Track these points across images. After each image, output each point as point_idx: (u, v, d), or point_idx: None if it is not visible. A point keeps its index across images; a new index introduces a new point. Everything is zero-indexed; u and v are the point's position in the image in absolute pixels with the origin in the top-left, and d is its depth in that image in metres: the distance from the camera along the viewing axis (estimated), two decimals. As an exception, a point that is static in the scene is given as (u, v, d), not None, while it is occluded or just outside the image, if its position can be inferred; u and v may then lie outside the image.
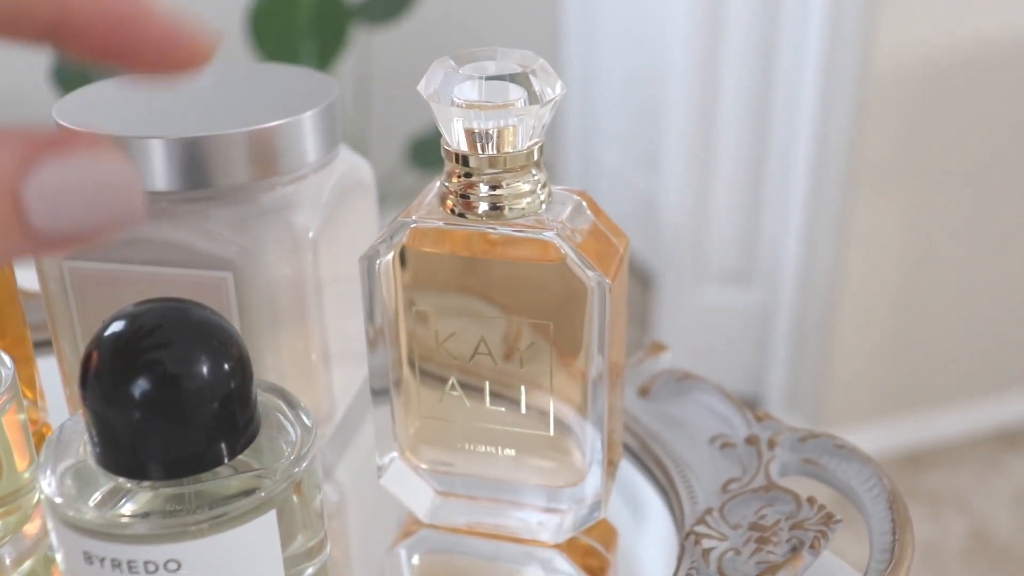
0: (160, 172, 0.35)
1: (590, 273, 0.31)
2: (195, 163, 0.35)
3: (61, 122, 0.36)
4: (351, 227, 0.40)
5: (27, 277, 0.45)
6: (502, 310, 0.33)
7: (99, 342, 0.28)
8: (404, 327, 0.34)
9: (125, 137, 0.35)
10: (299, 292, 0.36)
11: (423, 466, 0.37)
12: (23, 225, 0.18)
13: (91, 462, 0.29)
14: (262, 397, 0.30)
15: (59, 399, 0.42)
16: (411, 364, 0.35)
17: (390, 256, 0.33)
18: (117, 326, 0.28)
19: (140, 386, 0.27)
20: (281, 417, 0.30)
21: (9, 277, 0.40)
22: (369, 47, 1.75)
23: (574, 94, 2.12)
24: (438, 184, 0.34)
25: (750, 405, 0.41)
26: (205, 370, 0.27)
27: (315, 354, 0.38)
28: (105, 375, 0.27)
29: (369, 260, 0.33)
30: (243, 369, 0.28)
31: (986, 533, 1.41)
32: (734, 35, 1.54)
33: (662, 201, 1.72)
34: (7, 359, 0.35)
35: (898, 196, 1.42)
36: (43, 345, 0.44)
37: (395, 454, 0.37)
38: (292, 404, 0.31)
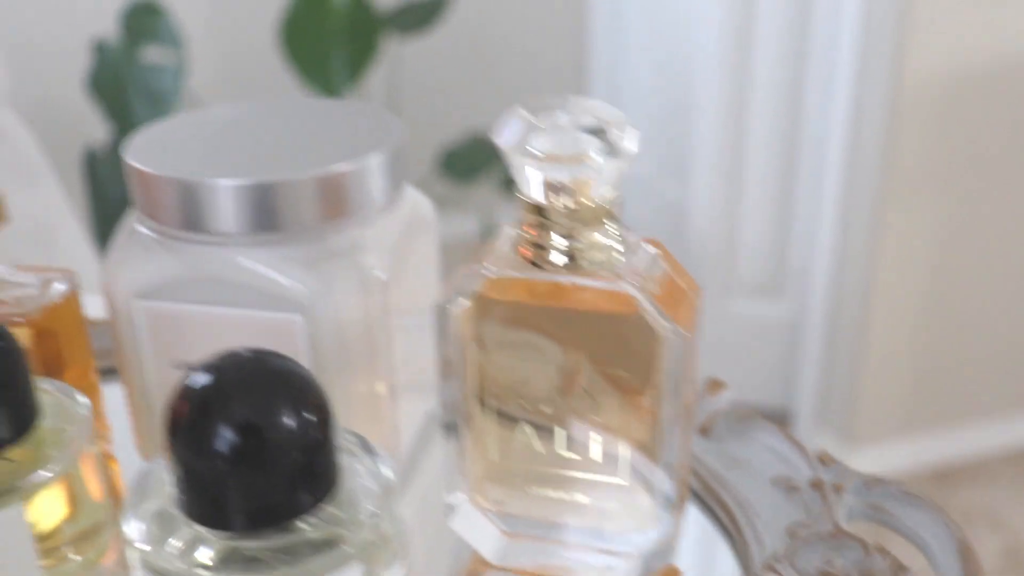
0: (231, 215, 0.35)
1: (666, 324, 0.31)
2: (266, 206, 0.35)
3: (133, 163, 0.37)
4: (415, 263, 0.40)
5: (95, 304, 0.46)
6: (576, 357, 0.33)
7: (185, 392, 0.28)
8: (476, 373, 0.34)
9: (196, 180, 0.35)
10: (368, 333, 0.36)
11: (490, 507, 0.37)
12: None
13: (174, 508, 0.29)
14: (342, 445, 0.31)
15: (122, 429, 0.42)
16: (482, 407, 0.35)
17: (463, 302, 0.33)
18: (203, 377, 0.28)
19: (227, 438, 0.27)
20: (359, 466, 0.31)
21: (77, 308, 0.41)
22: (400, 56, 1.76)
23: (600, 97, 2.12)
24: (509, 230, 0.34)
25: (810, 449, 0.41)
26: (290, 422, 0.28)
27: (382, 391, 0.38)
28: (191, 426, 0.27)
29: (443, 306, 0.33)
30: (327, 419, 0.29)
31: (1020, 550, 1.40)
32: (765, 41, 1.54)
33: (690, 209, 1.72)
34: (84, 400, 0.35)
35: (930, 207, 1.41)
36: (106, 372, 0.45)
37: (463, 494, 0.37)
38: (371, 453, 0.31)
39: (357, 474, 0.30)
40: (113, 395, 0.44)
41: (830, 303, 1.53)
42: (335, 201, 0.36)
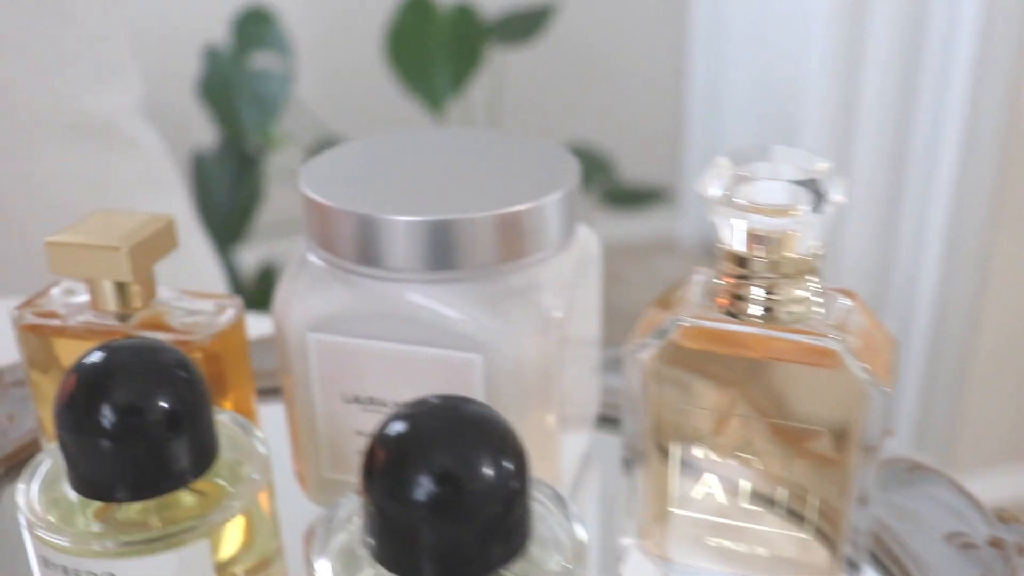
0: (409, 250, 0.35)
1: (868, 380, 0.30)
2: (445, 243, 0.35)
3: (309, 194, 0.37)
4: (582, 298, 0.40)
5: (258, 325, 0.46)
6: (770, 411, 0.32)
7: (384, 438, 0.28)
8: (659, 418, 0.34)
9: (375, 215, 0.35)
10: (544, 371, 0.36)
11: (661, 554, 0.36)
12: None
13: (361, 550, 0.29)
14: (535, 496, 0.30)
15: (280, 453, 0.42)
16: (662, 453, 0.34)
17: (654, 350, 0.32)
18: (402, 424, 0.28)
19: (427, 488, 0.27)
20: (550, 517, 0.30)
21: (242, 334, 0.41)
22: (503, 67, 1.76)
23: (697, 111, 2.10)
24: (700, 277, 0.33)
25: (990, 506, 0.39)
26: (491, 472, 0.27)
27: (551, 427, 0.38)
28: (391, 473, 0.27)
29: (634, 354, 0.32)
30: (524, 470, 0.28)
31: None
32: (876, 56, 1.51)
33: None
34: (261, 435, 0.35)
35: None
36: (263, 393, 0.45)
37: (634, 540, 0.36)
38: (563, 506, 0.30)
39: (548, 525, 0.30)
40: (268, 415, 0.44)
41: (934, 325, 1.49)
42: (514, 240, 0.35)
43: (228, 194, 1.42)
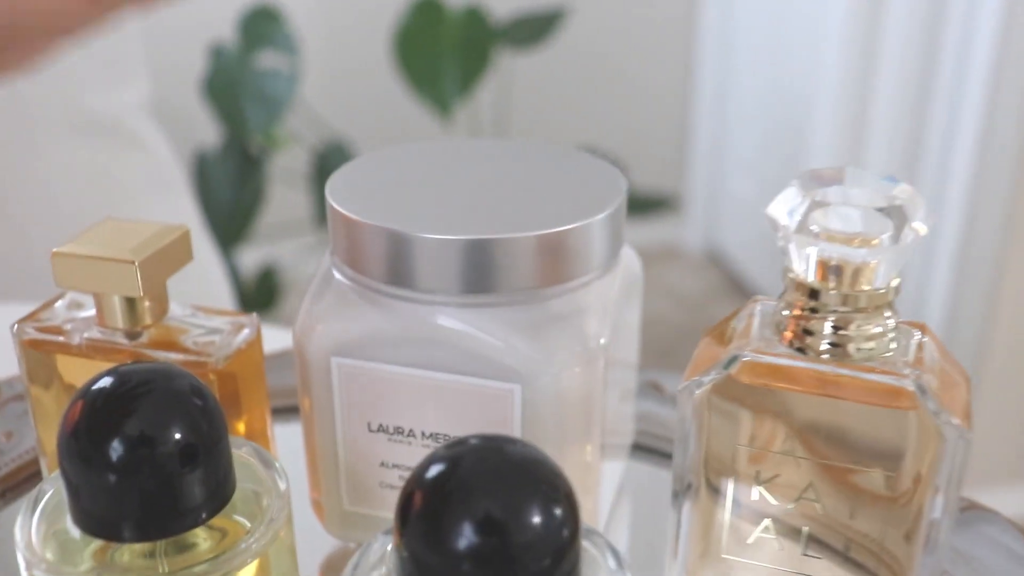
0: (443, 272, 0.32)
1: (949, 423, 0.28)
2: (483, 265, 0.32)
3: (337, 207, 0.34)
4: (624, 322, 0.37)
5: (274, 337, 0.43)
6: (836, 454, 0.30)
7: (421, 482, 0.25)
8: (717, 460, 0.31)
9: (407, 233, 0.32)
10: (587, 402, 0.34)
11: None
12: None
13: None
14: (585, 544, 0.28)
15: (296, 478, 0.39)
16: (717, 494, 0.32)
17: (712, 383, 0.30)
18: (441, 467, 0.25)
19: (468, 537, 0.24)
20: (595, 565, 0.28)
21: (259, 354, 0.39)
22: (512, 70, 1.73)
23: (704, 120, 2.08)
24: (760, 307, 0.31)
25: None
26: (539, 521, 0.25)
27: (590, 459, 0.35)
28: (429, 519, 0.25)
29: (691, 390, 0.30)
30: (575, 518, 0.26)
31: None
32: (888, 65, 1.48)
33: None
34: (281, 467, 0.32)
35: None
36: (277, 412, 0.43)
37: (675, 585, 0.34)
38: (615, 555, 0.28)
39: (599, 574, 0.28)
40: (283, 434, 0.42)
41: (944, 343, 1.47)
42: (557, 262, 0.33)
43: (230, 194, 1.40)
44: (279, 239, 1.58)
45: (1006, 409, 1.44)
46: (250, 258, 1.60)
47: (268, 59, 1.39)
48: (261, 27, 1.38)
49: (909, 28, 1.44)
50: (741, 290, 2.06)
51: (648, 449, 0.44)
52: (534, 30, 1.56)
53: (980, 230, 1.37)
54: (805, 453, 0.30)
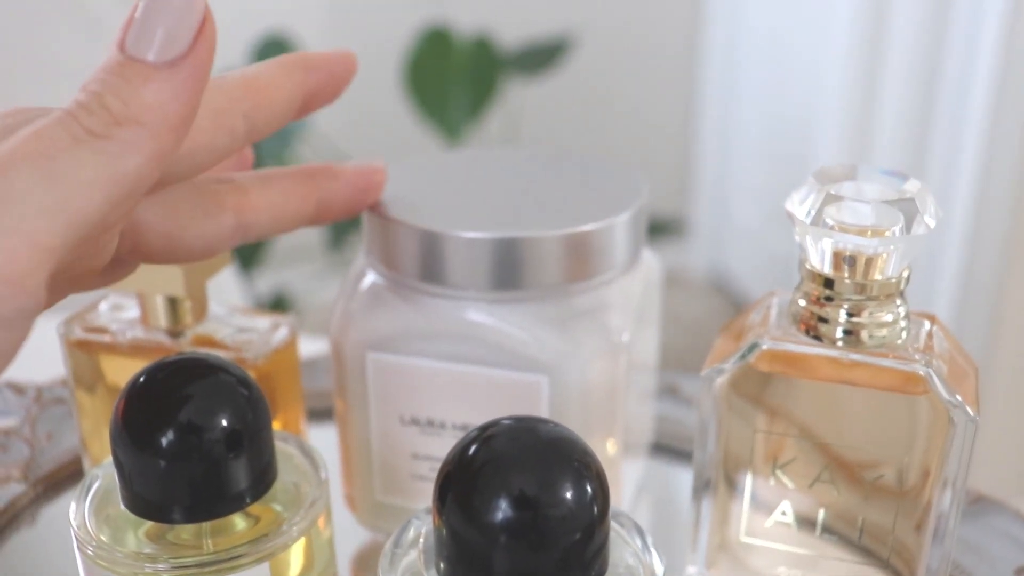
0: (474, 269, 0.34)
1: (958, 408, 0.29)
2: (512, 262, 0.34)
3: (372, 208, 0.36)
4: (648, 322, 0.39)
5: (310, 347, 0.45)
6: (850, 439, 0.31)
7: (459, 460, 0.27)
8: (736, 449, 0.33)
9: (440, 231, 0.34)
10: (610, 395, 0.35)
11: (729, 587, 0.35)
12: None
13: (425, 569, 0.28)
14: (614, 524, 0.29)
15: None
16: (734, 481, 0.33)
17: (732, 372, 0.31)
18: (477, 447, 0.27)
19: (503, 511, 0.26)
20: (623, 545, 0.29)
21: (294, 354, 0.40)
22: (520, 97, 1.76)
23: (709, 146, 2.10)
24: (776, 299, 0.33)
25: (1061, 537, 0.38)
26: (572, 496, 0.26)
27: (612, 453, 0.37)
28: (465, 496, 0.26)
29: (711, 378, 0.32)
30: (605, 495, 0.27)
31: None
32: (891, 95, 1.51)
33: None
34: (321, 459, 0.34)
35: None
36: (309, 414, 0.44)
37: (695, 568, 0.35)
38: (639, 534, 0.29)
39: (621, 554, 0.29)
40: (314, 439, 0.43)
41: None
42: (582, 260, 0.34)
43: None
44: (290, 264, 1.60)
45: (1009, 426, 1.45)
46: (264, 284, 1.62)
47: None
48: (273, 56, 1.41)
49: (909, 62, 1.46)
50: (746, 315, 2.06)
51: (666, 448, 0.46)
52: (541, 59, 1.59)
53: (981, 264, 1.39)
54: (818, 439, 0.31)
